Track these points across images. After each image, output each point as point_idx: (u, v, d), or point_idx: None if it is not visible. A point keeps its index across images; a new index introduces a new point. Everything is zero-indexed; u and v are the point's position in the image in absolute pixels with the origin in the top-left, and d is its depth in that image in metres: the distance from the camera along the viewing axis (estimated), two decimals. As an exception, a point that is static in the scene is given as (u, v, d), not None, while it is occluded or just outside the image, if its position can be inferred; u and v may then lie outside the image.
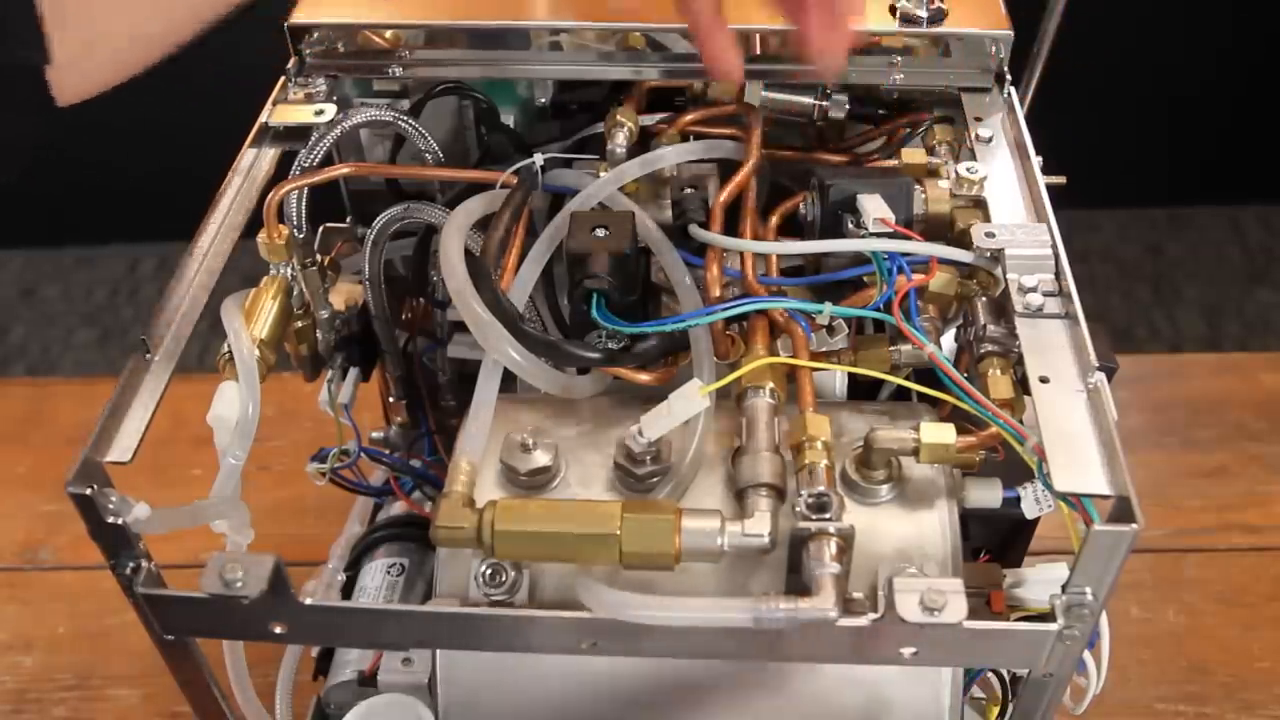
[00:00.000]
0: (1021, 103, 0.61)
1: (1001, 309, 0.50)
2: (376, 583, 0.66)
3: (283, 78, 0.62)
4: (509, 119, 0.64)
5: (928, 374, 0.50)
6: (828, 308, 0.51)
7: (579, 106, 0.66)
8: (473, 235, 0.55)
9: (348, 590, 0.67)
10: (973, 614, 0.42)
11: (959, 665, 0.51)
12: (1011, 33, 0.60)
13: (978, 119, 0.60)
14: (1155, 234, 2.17)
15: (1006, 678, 0.58)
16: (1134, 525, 0.40)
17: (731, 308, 0.51)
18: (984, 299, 0.51)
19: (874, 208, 0.53)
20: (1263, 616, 0.87)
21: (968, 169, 0.55)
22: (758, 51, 0.61)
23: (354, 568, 0.69)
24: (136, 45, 0.49)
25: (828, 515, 0.44)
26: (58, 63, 0.46)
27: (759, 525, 0.45)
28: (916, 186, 0.55)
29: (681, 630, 0.44)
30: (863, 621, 0.43)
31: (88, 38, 0.47)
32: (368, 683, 0.62)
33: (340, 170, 0.59)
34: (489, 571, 0.47)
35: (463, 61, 0.62)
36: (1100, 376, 0.45)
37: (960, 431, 0.47)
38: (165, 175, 1.66)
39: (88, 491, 0.44)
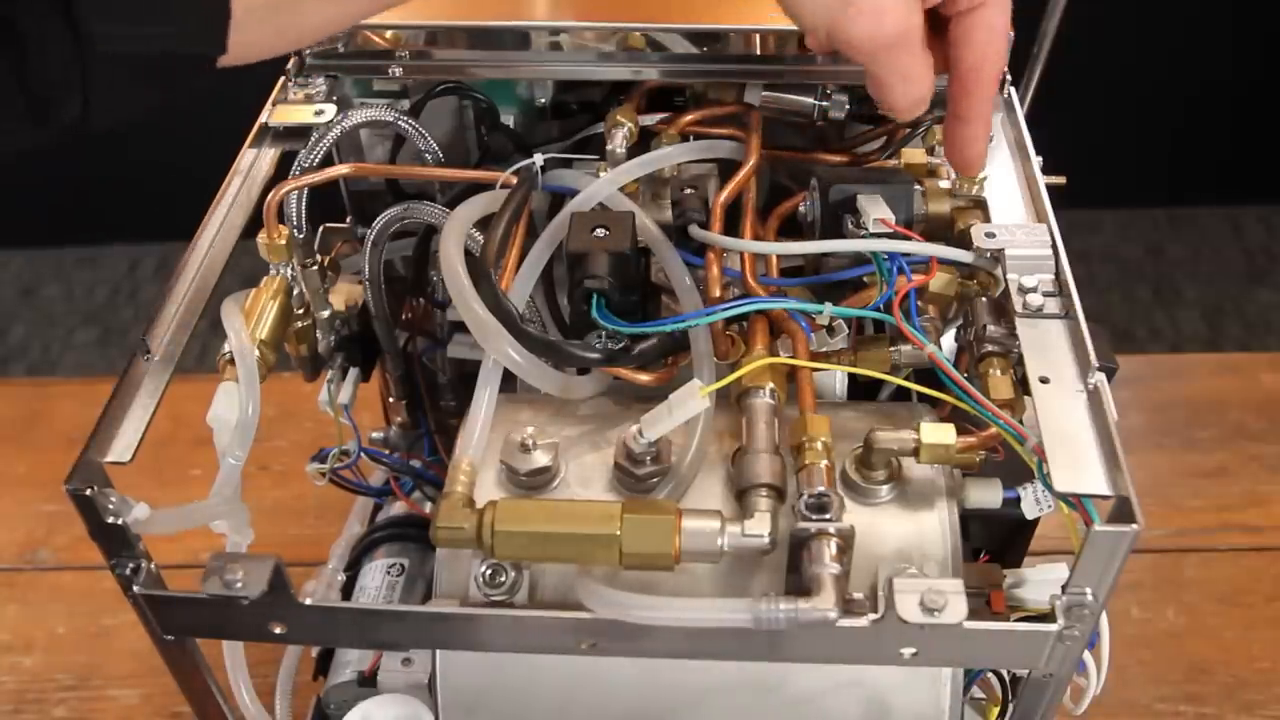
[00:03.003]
0: (1021, 103, 0.61)
1: (1001, 309, 0.50)
2: (376, 583, 0.66)
3: (282, 78, 0.62)
4: (509, 119, 0.64)
5: (928, 374, 0.50)
6: (828, 308, 0.51)
7: (579, 106, 0.66)
8: (473, 235, 0.55)
9: (348, 590, 0.67)
10: (973, 614, 0.42)
11: (959, 665, 0.51)
12: (1012, 33, 0.60)
13: (978, 119, 0.60)
14: (1155, 234, 2.18)
15: (1006, 678, 0.58)
16: (1134, 525, 0.40)
17: (731, 308, 0.51)
18: (984, 299, 0.51)
19: (874, 208, 0.53)
20: (1263, 616, 0.87)
21: (968, 169, 0.55)
22: (758, 52, 0.61)
23: (354, 568, 0.69)
24: (318, 32, 0.47)
25: (828, 515, 0.44)
26: (234, 45, 0.43)
27: (759, 526, 0.45)
28: (916, 186, 0.55)
29: (681, 630, 0.44)
30: (863, 622, 0.43)
31: (277, 28, 0.45)
32: (368, 683, 0.62)
33: (340, 170, 0.59)
34: (489, 572, 0.47)
35: (463, 61, 0.62)
36: (1100, 377, 0.45)
37: (960, 432, 0.47)
38: (165, 175, 1.66)
39: (88, 492, 0.44)
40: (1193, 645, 0.85)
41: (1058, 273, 0.50)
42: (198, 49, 0.42)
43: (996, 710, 0.58)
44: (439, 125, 0.64)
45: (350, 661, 0.64)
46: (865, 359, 0.53)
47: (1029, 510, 0.49)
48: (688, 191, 0.57)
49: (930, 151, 0.60)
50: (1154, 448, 0.99)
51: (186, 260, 0.54)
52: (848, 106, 0.62)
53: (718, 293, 0.53)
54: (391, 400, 0.72)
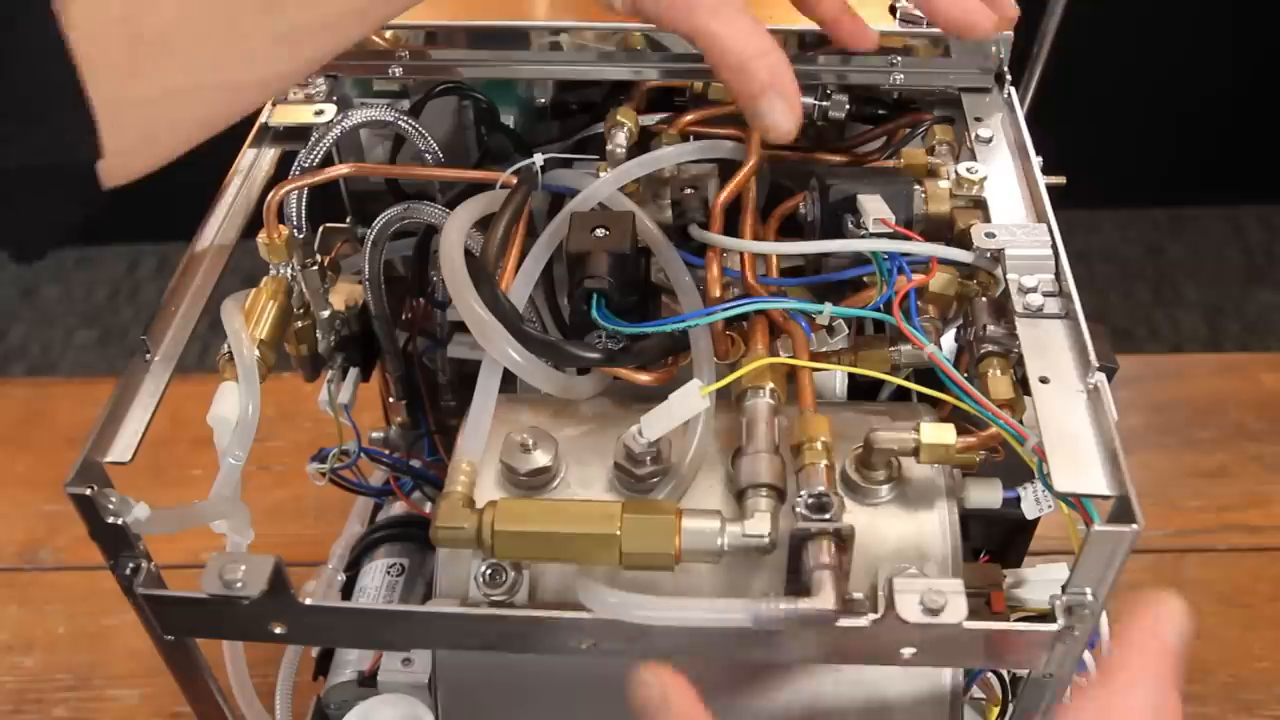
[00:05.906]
0: (1021, 103, 0.61)
1: (1001, 309, 0.50)
2: (376, 583, 0.66)
3: (283, 78, 0.62)
4: (509, 119, 0.64)
5: (928, 374, 0.50)
6: (828, 308, 0.51)
7: (579, 106, 0.66)
8: (473, 235, 0.55)
9: (348, 590, 0.67)
10: (973, 614, 0.42)
11: (959, 665, 0.51)
12: (1011, 33, 0.60)
13: (978, 119, 0.60)
14: (1155, 234, 2.18)
15: (1006, 678, 0.58)
16: (1134, 525, 0.40)
17: (731, 308, 0.51)
18: (984, 299, 0.51)
19: (874, 208, 0.53)
20: (1263, 616, 0.87)
21: (968, 169, 0.55)
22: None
23: (354, 568, 0.69)
24: (200, 128, 0.46)
25: (828, 515, 0.44)
26: (111, 153, 0.42)
27: (759, 526, 0.45)
28: (916, 186, 0.55)
29: (682, 630, 0.44)
30: (863, 622, 0.43)
31: (149, 130, 0.44)
32: (368, 683, 0.62)
33: (340, 170, 0.59)
34: (489, 572, 0.47)
35: (463, 61, 0.62)
36: (1100, 377, 0.45)
37: (960, 432, 0.47)
38: (165, 175, 1.66)
39: (88, 492, 0.44)
40: (1193, 645, 0.85)
41: (1058, 273, 0.50)
42: (74, 154, 0.42)
43: (996, 710, 0.58)
44: (439, 125, 0.64)
45: (350, 661, 0.64)
46: (865, 359, 0.53)
47: (1029, 510, 0.49)
48: (688, 191, 0.57)
49: (930, 151, 0.60)
50: (1154, 448, 0.99)
51: (186, 260, 0.54)
52: (848, 106, 0.62)
53: (718, 293, 0.53)
54: (391, 400, 0.72)
